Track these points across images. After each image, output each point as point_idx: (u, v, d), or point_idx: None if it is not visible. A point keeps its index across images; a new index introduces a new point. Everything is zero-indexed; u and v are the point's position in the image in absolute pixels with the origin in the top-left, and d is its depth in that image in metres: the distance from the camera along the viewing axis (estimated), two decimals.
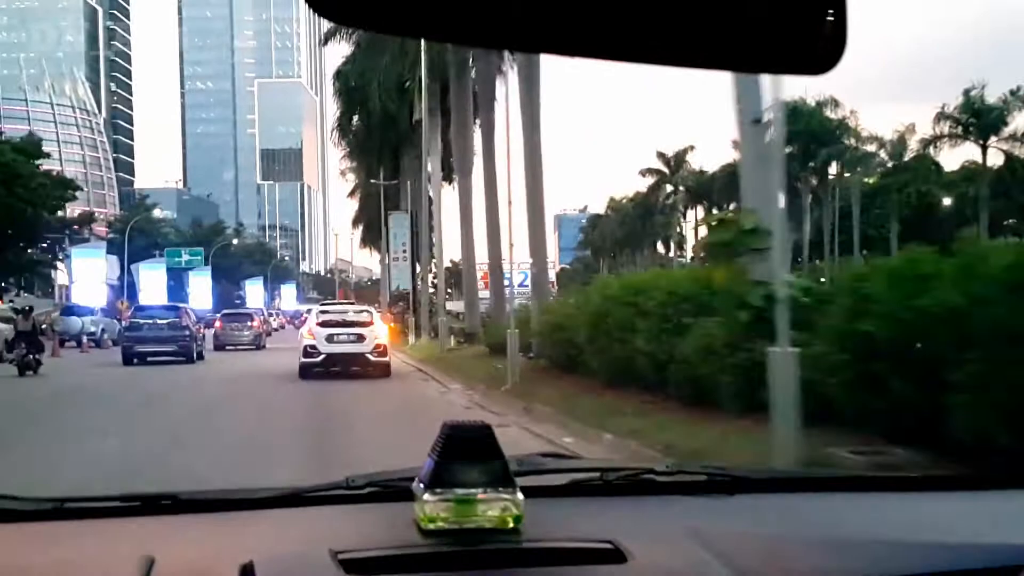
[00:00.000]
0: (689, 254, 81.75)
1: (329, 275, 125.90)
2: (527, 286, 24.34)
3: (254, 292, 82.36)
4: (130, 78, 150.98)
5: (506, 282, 20.68)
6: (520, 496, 1.19)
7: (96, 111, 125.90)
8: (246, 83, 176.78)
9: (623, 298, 10.72)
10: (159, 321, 23.87)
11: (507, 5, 0.82)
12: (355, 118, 38.74)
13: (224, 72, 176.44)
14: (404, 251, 38.08)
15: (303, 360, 17.40)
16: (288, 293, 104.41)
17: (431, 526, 1.18)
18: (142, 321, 24.13)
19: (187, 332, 23.98)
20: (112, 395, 15.40)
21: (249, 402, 14.14)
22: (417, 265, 37.65)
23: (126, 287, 58.10)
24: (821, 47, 0.85)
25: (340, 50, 37.58)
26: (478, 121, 23.95)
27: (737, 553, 1.21)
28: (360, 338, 17.44)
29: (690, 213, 78.72)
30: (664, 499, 1.54)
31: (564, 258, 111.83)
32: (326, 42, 35.29)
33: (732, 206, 74.87)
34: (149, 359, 23.02)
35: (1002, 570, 1.20)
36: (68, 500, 1.43)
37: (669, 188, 77.67)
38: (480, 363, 18.01)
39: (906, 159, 55.89)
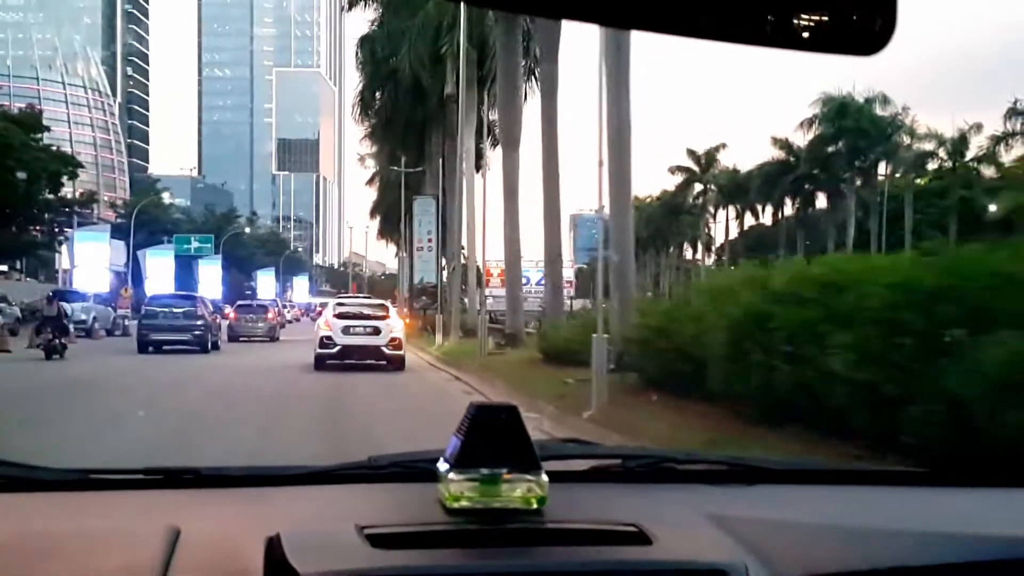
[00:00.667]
0: (714, 256, 78.23)
1: (342, 268, 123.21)
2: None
3: (266, 283, 79.84)
4: (147, 63, 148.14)
5: (567, 278, 17.20)
6: (545, 478, 1.19)
7: (109, 93, 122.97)
8: (264, 71, 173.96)
9: (801, 295, 7.15)
10: (175, 310, 24.00)
11: None
12: (378, 95, 35.50)
13: (242, 60, 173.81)
14: (429, 239, 34.68)
15: (318, 351, 17.45)
16: (300, 285, 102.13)
17: (455, 505, 1.17)
18: (158, 309, 24.21)
19: (203, 322, 24.02)
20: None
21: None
22: (442, 258, 34.33)
23: (131, 274, 55.08)
24: (870, 27, 0.85)
25: (360, 29, 34.23)
26: (535, 79, 20.21)
27: (760, 540, 1.21)
28: (376, 331, 17.50)
29: (720, 213, 75.36)
30: (685, 487, 1.53)
31: (580, 259, 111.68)
32: (350, 7, 31.88)
33: (768, 208, 71.60)
34: (164, 348, 22.92)
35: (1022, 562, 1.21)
36: (93, 472, 1.45)
37: (699, 187, 74.56)
38: (534, 374, 14.62)
39: (967, 159, 52.00)
